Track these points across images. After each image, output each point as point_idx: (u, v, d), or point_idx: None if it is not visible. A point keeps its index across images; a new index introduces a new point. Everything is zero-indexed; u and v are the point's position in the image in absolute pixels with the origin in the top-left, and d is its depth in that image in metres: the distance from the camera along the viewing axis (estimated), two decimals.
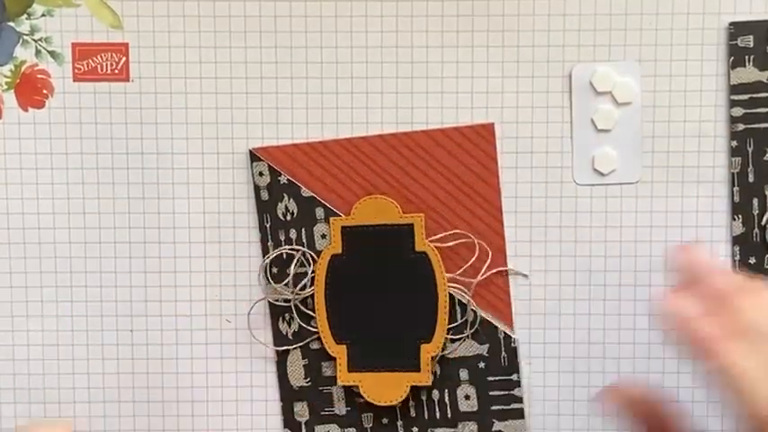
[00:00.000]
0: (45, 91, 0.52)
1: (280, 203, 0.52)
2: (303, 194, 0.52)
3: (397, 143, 0.52)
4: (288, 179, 0.51)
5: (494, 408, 0.53)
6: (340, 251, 0.51)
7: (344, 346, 0.52)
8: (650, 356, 0.53)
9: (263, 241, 0.52)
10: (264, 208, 0.52)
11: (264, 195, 0.52)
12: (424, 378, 0.51)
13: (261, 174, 0.51)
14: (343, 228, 0.51)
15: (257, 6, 0.51)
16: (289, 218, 0.52)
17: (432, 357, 0.51)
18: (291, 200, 0.52)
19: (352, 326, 0.52)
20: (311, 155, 0.52)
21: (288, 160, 0.52)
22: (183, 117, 0.52)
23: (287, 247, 0.52)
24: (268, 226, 0.52)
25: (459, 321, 0.52)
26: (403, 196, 0.51)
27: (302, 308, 0.52)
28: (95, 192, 0.52)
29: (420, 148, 0.51)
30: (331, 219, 0.51)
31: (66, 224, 0.52)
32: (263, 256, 0.52)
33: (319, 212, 0.52)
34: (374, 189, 0.51)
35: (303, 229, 0.52)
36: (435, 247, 0.51)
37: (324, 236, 0.52)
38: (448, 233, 0.51)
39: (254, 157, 0.51)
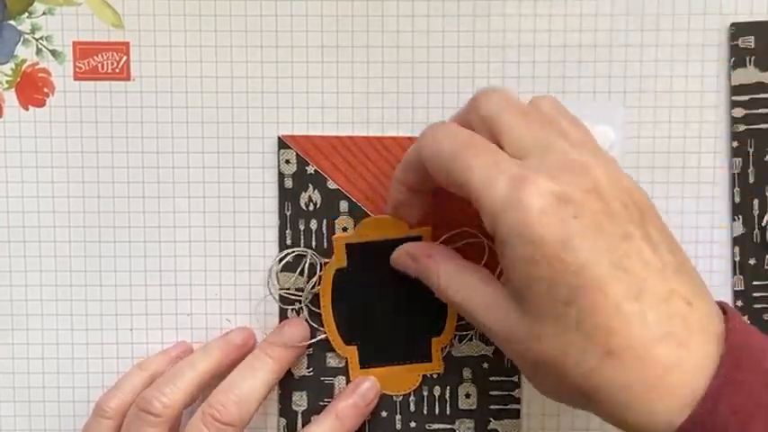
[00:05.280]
0: (46, 90, 0.52)
1: (304, 193, 0.52)
2: (329, 186, 0.52)
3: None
4: (315, 169, 0.51)
5: (492, 407, 0.53)
6: (345, 265, 0.51)
7: (354, 346, 0.52)
8: None
9: (281, 229, 0.52)
10: (287, 196, 0.52)
11: (288, 183, 0.52)
12: (436, 367, 0.52)
13: (287, 161, 0.51)
14: (347, 244, 0.51)
15: (258, 5, 0.51)
16: (311, 208, 0.52)
17: (442, 348, 0.52)
18: (316, 191, 0.52)
19: (361, 329, 0.52)
20: (338, 148, 0.51)
21: (314, 151, 0.51)
22: (183, 116, 0.52)
23: (297, 248, 0.52)
24: (288, 214, 0.52)
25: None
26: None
27: (311, 307, 0.52)
28: (95, 190, 0.52)
29: None
30: (334, 237, 0.51)
31: (67, 223, 0.52)
32: (279, 245, 0.52)
33: (344, 206, 0.52)
34: None
35: (324, 221, 0.52)
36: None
37: (345, 229, 0.52)
38: (454, 232, 0.51)
39: (282, 144, 0.51)
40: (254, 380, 0.49)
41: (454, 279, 0.45)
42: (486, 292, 0.43)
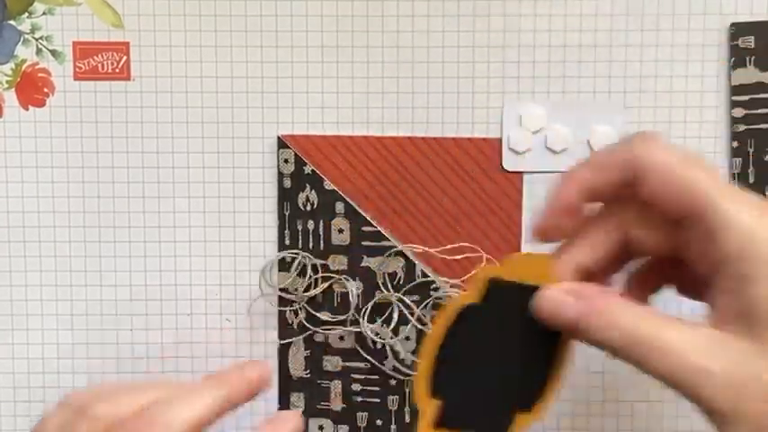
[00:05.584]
0: (46, 89, 0.52)
1: (301, 193, 0.52)
2: (326, 187, 0.52)
3: (426, 147, 0.52)
4: (312, 169, 0.51)
5: None
6: (477, 302, 0.41)
7: (438, 401, 0.41)
8: None
9: (280, 229, 0.52)
10: (285, 196, 0.52)
11: (287, 183, 0.52)
12: None
13: (286, 161, 0.51)
14: (491, 279, 0.41)
15: (258, 5, 0.51)
16: (309, 208, 0.52)
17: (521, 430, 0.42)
18: (313, 191, 0.52)
19: (454, 382, 0.42)
20: (338, 148, 0.51)
21: (314, 150, 0.51)
22: (183, 116, 0.52)
23: (293, 249, 0.52)
24: (287, 214, 0.52)
25: None
26: (424, 200, 0.51)
27: (308, 308, 0.52)
28: (95, 190, 0.52)
29: (448, 155, 0.51)
30: (481, 267, 0.48)
31: (67, 223, 0.52)
32: (278, 245, 0.52)
33: (339, 207, 0.52)
34: (397, 190, 0.51)
35: (321, 222, 0.52)
36: (441, 259, 0.50)
37: (341, 230, 0.52)
38: (454, 246, 0.51)
39: (281, 143, 0.51)
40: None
41: (642, 320, 0.37)
42: (694, 331, 0.37)
